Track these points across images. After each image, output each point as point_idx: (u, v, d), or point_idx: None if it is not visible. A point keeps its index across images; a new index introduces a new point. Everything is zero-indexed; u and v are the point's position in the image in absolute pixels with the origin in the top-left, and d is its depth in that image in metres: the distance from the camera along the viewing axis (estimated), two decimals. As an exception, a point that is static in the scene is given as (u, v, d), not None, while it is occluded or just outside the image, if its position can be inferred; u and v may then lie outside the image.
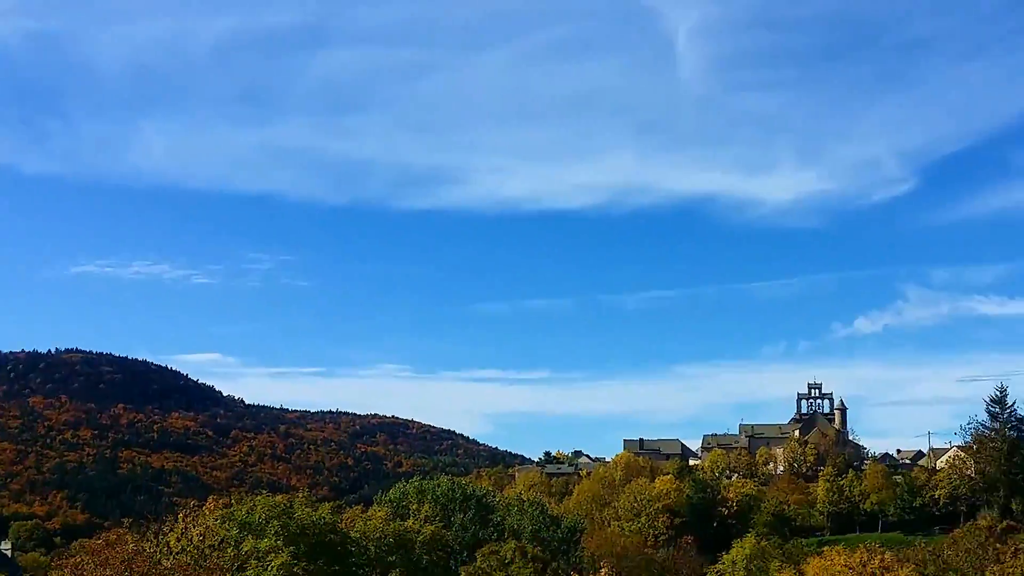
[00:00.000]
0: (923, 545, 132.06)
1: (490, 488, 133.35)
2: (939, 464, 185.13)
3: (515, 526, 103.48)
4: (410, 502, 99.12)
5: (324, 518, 72.75)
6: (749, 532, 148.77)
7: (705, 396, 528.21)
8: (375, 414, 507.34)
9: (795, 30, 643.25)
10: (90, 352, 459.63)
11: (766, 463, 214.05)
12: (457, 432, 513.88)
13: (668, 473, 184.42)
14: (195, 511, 65.52)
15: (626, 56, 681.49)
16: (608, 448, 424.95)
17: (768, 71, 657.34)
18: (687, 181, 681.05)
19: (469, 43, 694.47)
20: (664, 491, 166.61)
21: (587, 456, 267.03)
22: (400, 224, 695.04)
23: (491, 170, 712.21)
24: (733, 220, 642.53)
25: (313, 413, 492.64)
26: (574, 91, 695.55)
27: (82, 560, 51.65)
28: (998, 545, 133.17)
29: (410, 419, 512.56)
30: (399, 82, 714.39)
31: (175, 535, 60.70)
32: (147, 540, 59.96)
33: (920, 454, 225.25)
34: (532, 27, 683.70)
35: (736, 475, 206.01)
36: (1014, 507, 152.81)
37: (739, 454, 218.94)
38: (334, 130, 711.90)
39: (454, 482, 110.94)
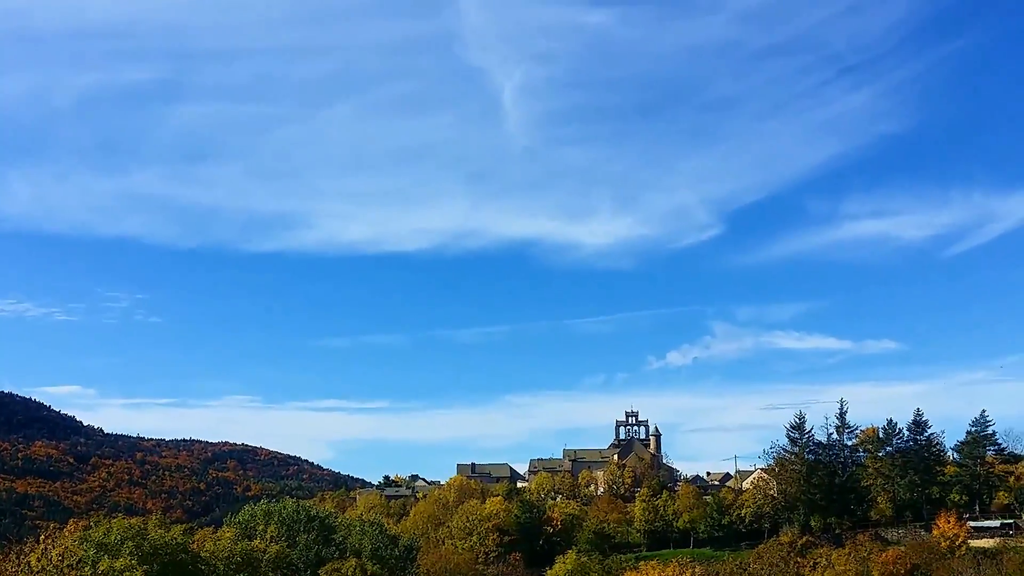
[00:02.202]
0: (731, 559, 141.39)
1: (333, 510, 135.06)
2: (745, 485, 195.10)
3: (356, 545, 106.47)
4: (257, 523, 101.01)
5: (176, 539, 75.33)
6: (572, 549, 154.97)
7: (532, 423, 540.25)
8: (226, 441, 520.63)
9: (611, 90, 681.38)
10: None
11: (588, 485, 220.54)
12: (303, 458, 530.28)
13: (498, 495, 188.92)
14: (55, 533, 66.79)
15: (458, 111, 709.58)
16: (443, 472, 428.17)
17: (587, 126, 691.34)
18: (514, 226, 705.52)
19: (314, 99, 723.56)
20: (494, 512, 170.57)
21: (423, 480, 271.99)
22: (248, 265, 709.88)
23: (334, 215, 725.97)
24: (556, 262, 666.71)
25: (168, 441, 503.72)
26: (411, 143, 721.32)
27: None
28: (799, 559, 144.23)
29: (259, 446, 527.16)
30: (249, 134, 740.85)
31: (35, 555, 61.52)
32: (9, 561, 61.36)
33: (728, 476, 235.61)
34: (372, 84, 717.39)
35: (560, 496, 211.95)
36: (813, 524, 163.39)
37: (563, 477, 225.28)
38: (187, 178, 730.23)
39: (299, 505, 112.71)
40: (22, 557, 62.12)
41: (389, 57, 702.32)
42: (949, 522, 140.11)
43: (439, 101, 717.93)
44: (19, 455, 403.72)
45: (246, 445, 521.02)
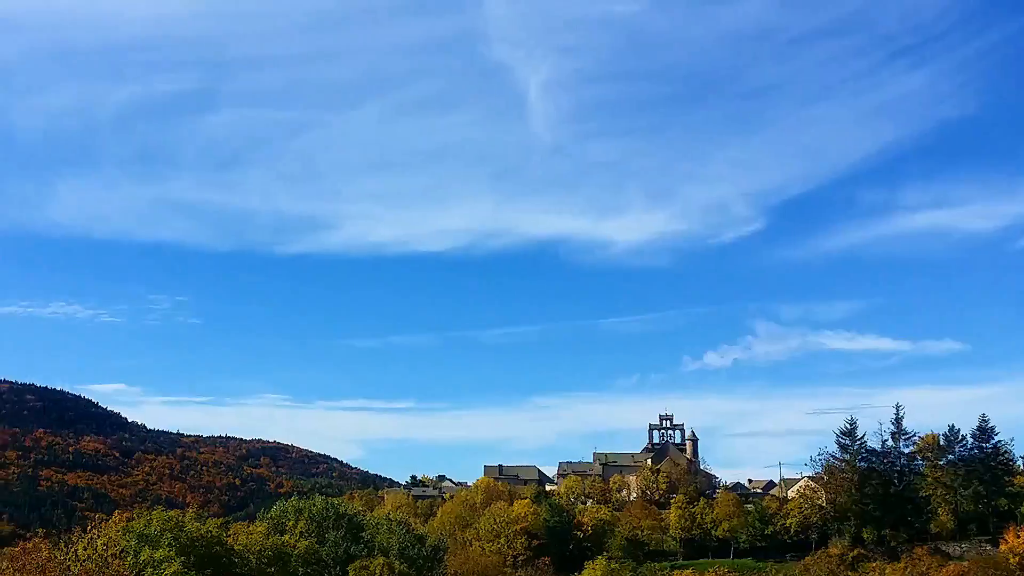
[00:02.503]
0: (775, 571, 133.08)
1: (361, 508, 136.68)
2: (790, 493, 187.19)
3: (384, 543, 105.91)
4: (288, 519, 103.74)
5: (212, 532, 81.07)
6: (603, 555, 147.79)
7: (561, 425, 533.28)
8: (259, 439, 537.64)
9: (643, 81, 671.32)
10: (15, 382, 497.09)
11: (619, 490, 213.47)
12: (332, 456, 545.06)
13: (526, 497, 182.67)
14: (101, 524, 73.70)
15: (482, 109, 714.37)
16: (470, 473, 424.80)
17: (617, 119, 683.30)
18: (541, 224, 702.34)
19: (340, 102, 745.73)
20: (522, 514, 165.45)
21: (450, 480, 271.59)
22: (280, 267, 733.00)
23: (361, 217, 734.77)
24: (586, 260, 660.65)
25: (206, 438, 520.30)
26: (435, 143, 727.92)
27: (2, 565, 60.44)
28: (849, 572, 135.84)
29: (290, 444, 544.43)
30: (278, 139, 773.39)
31: (82, 544, 67.77)
32: (59, 549, 68.70)
33: (771, 484, 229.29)
34: (397, 85, 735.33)
35: (591, 501, 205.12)
36: (865, 536, 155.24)
37: (593, 481, 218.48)
38: (220, 184, 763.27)
39: (328, 502, 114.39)
40: (70, 546, 68.38)
41: (413, 57, 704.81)
42: (1019, 537, 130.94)
43: (464, 99, 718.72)
44: (70, 449, 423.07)
45: (278, 443, 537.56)
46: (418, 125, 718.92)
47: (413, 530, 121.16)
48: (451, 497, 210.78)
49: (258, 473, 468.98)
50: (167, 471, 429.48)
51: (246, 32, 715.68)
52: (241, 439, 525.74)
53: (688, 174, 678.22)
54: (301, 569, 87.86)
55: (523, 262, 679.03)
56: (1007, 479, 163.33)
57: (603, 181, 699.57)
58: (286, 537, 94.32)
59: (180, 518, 79.83)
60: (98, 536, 69.29)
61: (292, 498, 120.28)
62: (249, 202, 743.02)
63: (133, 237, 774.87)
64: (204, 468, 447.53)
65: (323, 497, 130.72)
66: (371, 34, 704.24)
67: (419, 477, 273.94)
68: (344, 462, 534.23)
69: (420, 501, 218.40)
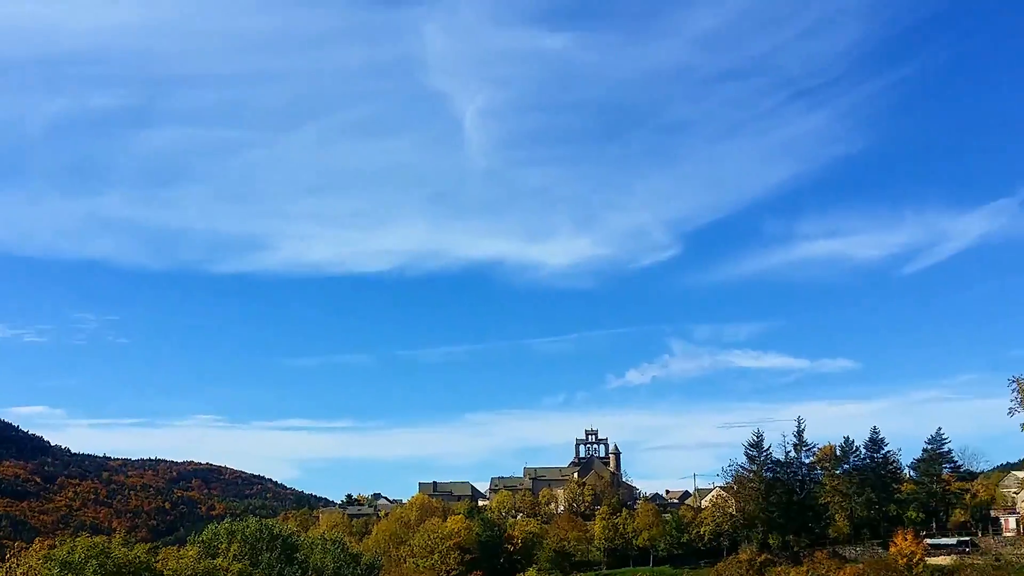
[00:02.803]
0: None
1: (296, 529, 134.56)
2: (704, 503, 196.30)
3: (318, 564, 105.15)
4: (220, 542, 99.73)
5: (140, 557, 74.19)
6: (532, 567, 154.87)
7: (493, 442, 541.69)
8: (191, 461, 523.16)
9: (570, 112, 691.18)
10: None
11: (548, 503, 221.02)
12: (267, 477, 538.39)
13: (459, 513, 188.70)
14: (21, 552, 68.48)
15: (420, 134, 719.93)
16: (405, 490, 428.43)
17: (547, 148, 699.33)
18: (475, 247, 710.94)
19: (279, 123, 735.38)
20: (455, 530, 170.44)
21: (385, 498, 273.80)
22: (215, 286, 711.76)
23: (298, 237, 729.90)
24: (517, 282, 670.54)
25: (134, 460, 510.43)
26: (373, 165, 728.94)
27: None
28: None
29: (223, 465, 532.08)
30: (215, 157, 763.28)
31: (1, 574, 63.22)
32: None
33: (687, 494, 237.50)
34: (336, 108, 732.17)
35: (521, 514, 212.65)
36: (771, 542, 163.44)
37: (524, 495, 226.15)
38: (154, 201, 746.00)
39: (262, 523, 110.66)
40: (-11, 576, 61.51)
41: (352, 82, 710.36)
42: (906, 539, 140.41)
43: (401, 124, 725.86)
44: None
45: (211, 464, 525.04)
46: (356, 148, 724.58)
47: (348, 549, 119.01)
48: (386, 515, 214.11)
49: (189, 496, 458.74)
50: (92, 496, 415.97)
51: (186, 49, 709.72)
52: (172, 461, 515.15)
53: (610, 202, 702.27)
54: None
55: (457, 283, 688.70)
56: (895, 487, 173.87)
57: (533, 206, 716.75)
58: (218, 560, 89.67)
59: (106, 544, 73.40)
60: (17, 565, 65.55)
61: (225, 520, 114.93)
62: (184, 220, 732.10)
63: (60, 254, 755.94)
64: (132, 492, 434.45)
65: (257, 519, 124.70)
66: (311, 57, 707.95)
67: (354, 496, 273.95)
68: (279, 483, 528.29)
69: (355, 520, 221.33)
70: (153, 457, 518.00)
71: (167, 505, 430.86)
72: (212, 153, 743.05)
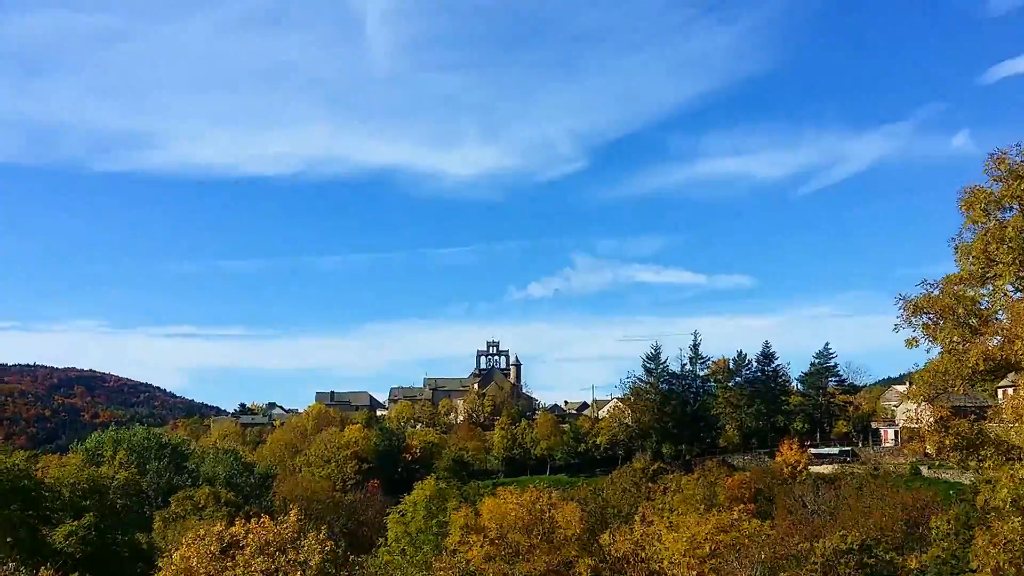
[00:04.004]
0: (586, 485, 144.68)
1: (186, 438, 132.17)
2: (601, 414, 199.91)
3: (209, 473, 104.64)
4: (106, 451, 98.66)
5: (18, 465, 71.77)
6: (431, 476, 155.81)
7: (393, 352, 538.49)
8: (73, 367, 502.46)
9: (478, 17, 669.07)
10: None
11: (447, 413, 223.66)
12: (154, 385, 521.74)
13: (357, 423, 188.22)
14: None
15: (318, 32, 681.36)
16: (301, 400, 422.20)
17: (454, 53, 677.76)
18: (377, 153, 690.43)
19: (163, 12, 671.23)
20: (353, 439, 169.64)
21: (281, 408, 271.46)
22: (96, 185, 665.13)
23: (186, 136, 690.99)
24: (420, 191, 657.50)
25: (11, 366, 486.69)
26: (268, 63, 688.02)
27: None
28: (650, 484, 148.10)
29: (108, 372, 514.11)
30: (91, 47, 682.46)
31: None
32: None
33: (585, 405, 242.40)
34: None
35: (420, 424, 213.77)
36: (665, 451, 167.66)
37: (423, 405, 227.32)
38: (26, 93, 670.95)
39: (150, 432, 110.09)
40: None
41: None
42: (792, 449, 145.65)
43: (298, 20, 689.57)
44: None
45: (94, 371, 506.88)
46: (250, 43, 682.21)
47: (241, 458, 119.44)
48: (281, 425, 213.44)
49: (71, 403, 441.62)
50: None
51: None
52: (52, 367, 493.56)
53: (518, 112, 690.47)
54: (120, 501, 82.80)
55: (357, 190, 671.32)
56: (783, 398, 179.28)
57: (439, 114, 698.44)
58: (103, 468, 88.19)
59: (-21, 451, 68.39)
60: None
61: (110, 429, 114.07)
62: (60, 114, 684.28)
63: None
64: (9, 399, 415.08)
65: (144, 427, 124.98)
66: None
67: (248, 405, 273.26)
68: (168, 391, 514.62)
69: (249, 429, 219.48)
70: (32, 363, 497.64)
71: (47, 412, 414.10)
72: (87, 42, 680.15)
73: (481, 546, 57.51)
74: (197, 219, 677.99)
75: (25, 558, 53.37)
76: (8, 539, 63.32)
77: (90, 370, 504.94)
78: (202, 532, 43.73)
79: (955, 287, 32.36)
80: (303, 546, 42.01)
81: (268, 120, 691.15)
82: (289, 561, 40.61)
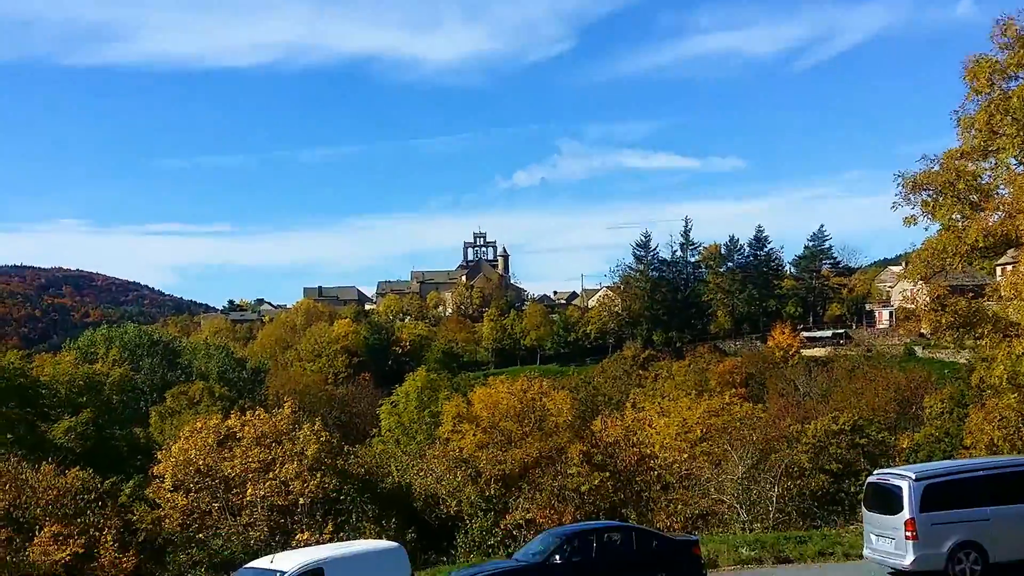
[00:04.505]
0: (576, 374, 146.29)
1: (176, 335, 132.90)
2: (591, 303, 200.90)
3: (202, 368, 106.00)
4: (99, 348, 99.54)
5: (13, 363, 72.93)
6: (421, 367, 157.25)
7: (380, 246, 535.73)
8: (59, 267, 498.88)
9: None
10: None
11: (436, 306, 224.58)
12: (143, 283, 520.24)
13: (346, 317, 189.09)
14: None
15: None
16: (289, 296, 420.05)
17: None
18: (357, 39, 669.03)
19: None
20: (342, 334, 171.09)
21: (269, 304, 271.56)
22: (70, 80, 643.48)
23: (161, 27, 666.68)
24: (402, 78, 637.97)
25: None
26: None
27: None
28: (640, 371, 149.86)
29: (95, 272, 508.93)
30: None
31: None
32: None
33: (574, 295, 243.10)
34: None
35: (409, 318, 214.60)
36: (655, 339, 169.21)
37: (411, 299, 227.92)
38: None
39: (141, 329, 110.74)
40: None
41: None
42: (784, 333, 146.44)
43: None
44: None
45: (81, 271, 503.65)
46: None
47: (233, 354, 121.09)
48: (271, 320, 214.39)
49: (60, 303, 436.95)
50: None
51: None
52: (39, 268, 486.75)
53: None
54: (116, 397, 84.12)
55: (337, 79, 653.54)
56: (776, 282, 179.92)
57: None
58: (98, 365, 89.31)
59: (-26, 352, 69.63)
60: None
61: (101, 327, 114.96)
62: (29, 5, 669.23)
63: None
64: None
65: (135, 325, 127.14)
66: None
67: (237, 302, 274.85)
68: (156, 289, 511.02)
69: (239, 325, 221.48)
70: (18, 263, 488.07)
71: (38, 313, 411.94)
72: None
73: (474, 435, 58.44)
74: (176, 114, 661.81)
75: (26, 453, 54.13)
76: (8, 436, 64.30)
77: (77, 270, 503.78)
78: (199, 425, 44.28)
79: (956, 162, 31.91)
80: (299, 437, 42.65)
81: (242, 8, 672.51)
82: (285, 451, 41.22)
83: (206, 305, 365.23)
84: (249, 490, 39.49)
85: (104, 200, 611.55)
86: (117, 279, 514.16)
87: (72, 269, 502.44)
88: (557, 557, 23.61)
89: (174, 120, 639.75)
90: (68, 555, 35.17)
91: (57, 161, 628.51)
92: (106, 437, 69.71)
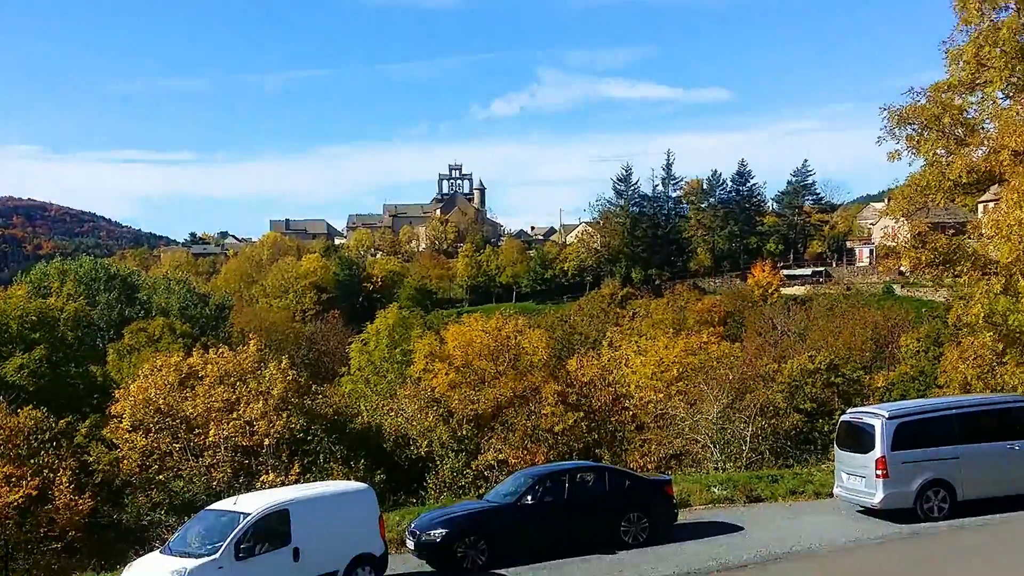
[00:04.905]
0: (553, 312, 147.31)
1: (135, 268, 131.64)
2: (569, 239, 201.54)
3: (163, 304, 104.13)
4: (52, 282, 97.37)
5: None
6: (393, 304, 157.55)
7: (350, 177, 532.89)
8: (10, 196, 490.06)
9: None
10: None
11: (409, 241, 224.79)
12: (99, 214, 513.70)
13: (315, 252, 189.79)
14: None
15: None
16: (255, 229, 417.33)
17: None
18: None
19: None
20: (311, 269, 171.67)
21: (234, 237, 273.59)
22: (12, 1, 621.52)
23: None
24: None
25: None
26: None
27: None
28: (618, 310, 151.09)
29: (48, 201, 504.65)
30: None
31: None
32: None
33: (552, 230, 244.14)
34: None
35: (381, 253, 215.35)
36: (634, 276, 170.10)
37: (383, 233, 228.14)
38: None
39: (97, 262, 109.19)
40: None
41: None
42: (764, 271, 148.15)
43: None
44: None
45: (33, 200, 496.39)
46: None
47: (195, 289, 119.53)
48: (235, 254, 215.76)
49: (11, 234, 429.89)
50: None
51: None
52: None
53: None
54: (71, 333, 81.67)
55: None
56: (758, 219, 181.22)
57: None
58: (51, 300, 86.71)
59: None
60: None
61: (54, 260, 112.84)
62: None
63: None
64: None
65: (91, 258, 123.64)
66: None
67: (199, 235, 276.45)
68: (113, 220, 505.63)
69: (201, 259, 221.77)
70: None
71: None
72: None
73: (446, 373, 58.60)
74: (133, 33, 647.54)
75: (-23, 391, 53.62)
76: (-45, 372, 63.34)
77: (29, 199, 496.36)
78: (159, 363, 44.09)
79: (943, 95, 32.00)
80: (264, 376, 42.57)
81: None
82: (250, 390, 41.14)
83: (167, 238, 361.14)
84: (212, 430, 39.33)
85: (58, 125, 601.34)
86: (72, 209, 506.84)
87: (23, 199, 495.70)
88: (529, 498, 24.04)
89: (131, 40, 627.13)
90: (21, 497, 35.13)
91: (5, 83, 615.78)
92: (61, 375, 68.62)
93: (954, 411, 24.94)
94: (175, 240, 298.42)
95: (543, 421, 43.26)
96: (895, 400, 43.81)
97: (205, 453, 39.54)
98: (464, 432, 42.77)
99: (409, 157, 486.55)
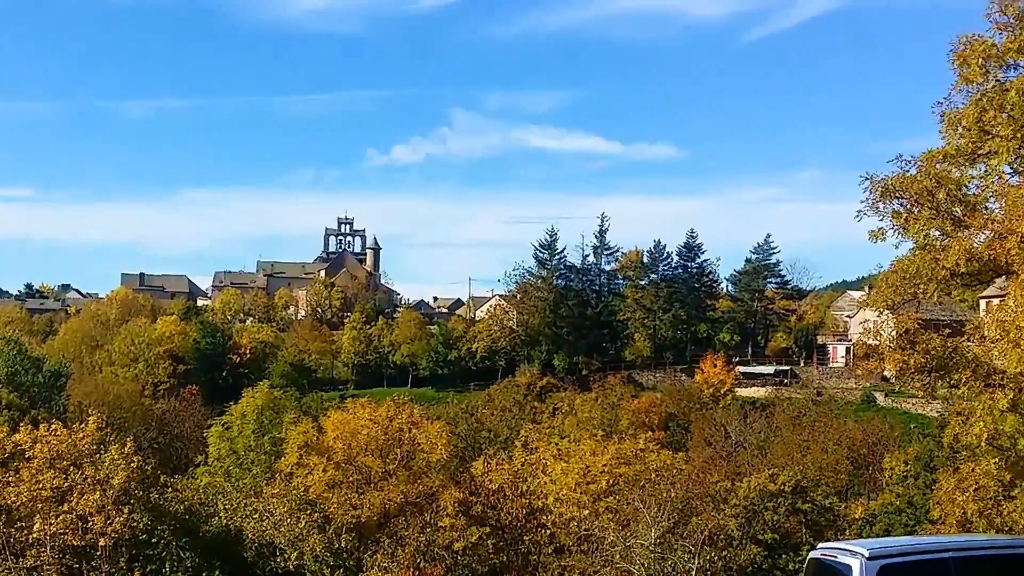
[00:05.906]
0: (456, 402, 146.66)
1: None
2: (479, 314, 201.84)
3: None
4: None
5: None
6: (263, 382, 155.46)
7: (219, 227, 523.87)
8: None
9: None
10: None
11: (286, 306, 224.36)
12: None
13: (173, 314, 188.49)
14: None
15: None
16: (103, 283, 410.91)
17: None
18: None
19: None
20: (167, 334, 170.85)
21: (78, 291, 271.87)
22: None
23: None
24: (257, 19, 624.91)
25: None
26: None
27: None
28: (536, 403, 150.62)
29: None
30: None
31: None
32: None
33: (459, 303, 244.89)
34: None
35: (252, 319, 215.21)
36: (556, 363, 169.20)
37: (256, 295, 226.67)
38: None
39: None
40: None
41: None
42: (716, 366, 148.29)
43: None
44: None
45: None
46: None
47: (27, 351, 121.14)
48: (78, 312, 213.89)
49: None
50: None
51: None
52: None
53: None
54: None
55: (177, 17, 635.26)
56: (709, 303, 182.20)
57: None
58: None
59: None
60: None
61: None
62: None
63: None
64: None
65: None
66: None
67: (37, 286, 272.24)
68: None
69: (37, 316, 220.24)
70: None
71: None
72: None
73: (324, 470, 58.45)
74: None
75: None
76: None
77: None
78: (-21, 439, 44.68)
79: (937, 166, 31.87)
80: (104, 461, 43.21)
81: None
82: (86, 478, 41.42)
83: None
84: (37, 524, 39.80)
85: None
86: None
87: None
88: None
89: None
90: None
91: None
92: None
93: (951, 554, 24.13)
94: (6, 292, 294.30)
95: (440, 536, 42.92)
96: (877, 535, 43.51)
97: (27, 552, 39.94)
98: (343, 544, 43.02)
99: (290, 207, 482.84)
